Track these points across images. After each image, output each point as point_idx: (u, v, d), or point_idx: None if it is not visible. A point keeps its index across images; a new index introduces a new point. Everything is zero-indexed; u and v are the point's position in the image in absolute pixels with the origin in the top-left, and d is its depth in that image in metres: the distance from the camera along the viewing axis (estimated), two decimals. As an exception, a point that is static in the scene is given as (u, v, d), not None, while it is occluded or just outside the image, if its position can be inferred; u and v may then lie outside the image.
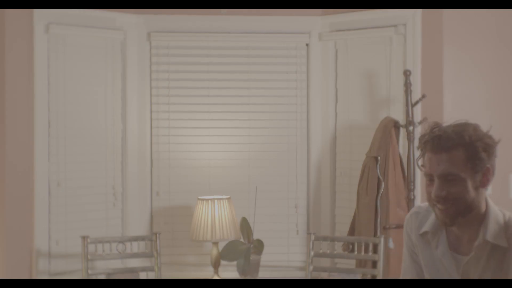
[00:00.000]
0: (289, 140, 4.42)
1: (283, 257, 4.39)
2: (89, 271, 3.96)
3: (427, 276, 2.25)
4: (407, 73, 3.91)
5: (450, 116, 3.91)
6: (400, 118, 4.02)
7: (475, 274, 2.15)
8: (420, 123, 3.93)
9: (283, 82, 4.43)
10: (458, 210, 2.09)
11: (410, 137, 3.92)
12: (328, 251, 4.05)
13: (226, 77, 4.41)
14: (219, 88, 4.41)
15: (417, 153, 2.19)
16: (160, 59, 4.38)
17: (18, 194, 3.91)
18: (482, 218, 2.15)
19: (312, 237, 4.05)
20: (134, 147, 4.33)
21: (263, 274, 4.15)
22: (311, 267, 4.04)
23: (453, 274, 2.18)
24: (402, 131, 3.99)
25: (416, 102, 3.91)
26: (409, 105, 3.91)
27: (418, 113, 3.96)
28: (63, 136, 4.09)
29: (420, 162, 2.17)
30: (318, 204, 4.38)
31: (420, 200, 3.99)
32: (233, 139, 4.41)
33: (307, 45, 4.40)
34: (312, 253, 4.04)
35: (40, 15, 3.96)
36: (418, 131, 3.97)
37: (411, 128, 3.91)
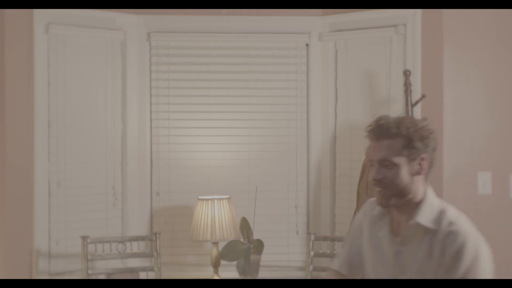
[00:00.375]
0: (289, 140, 4.42)
1: (283, 257, 4.39)
2: (89, 271, 3.96)
3: (367, 254, 2.46)
4: (407, 73, 3.92)
5: (450, 116, 3.94)
6: (400, 118, 4.01)
7: (408, 256, 2.33)
8: (420, 123, 3.93)
9: (283, 82, 4.43)
10: (393, 193, 2.31)
11: (410, 137, 3.92)
12: (328, 251, 4.05)
13: (226, 77, 4.41)
14: (219, 88, 4.41)
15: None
16: (160, 59, 4.38)
17: (18, 194, 3.91)
18: (418, 204, 2.34)
19: (312, 237, 4.05)
20: (134, 147, 4.33)
21: (263, 274, 4.15)
22: (311, 267, 4.04)
23: (388, 254, 2.38)
24: (402, 131, 3.99)
25: (416, 102, 3.91)
26: (409, 105, 3.91)
27: (418, 113, 3.96)
28: (63, 136, 4.09)
29: (367, 152, 2.39)
30: (318, 204, 4.38)
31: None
32: (233, 139, 4.41)
33: (307, 45, 4.41)
34: (312, 253, 4.04)
35: (40, 15, 3.96)
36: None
37: (411, 128, 3.91)
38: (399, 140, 2.30)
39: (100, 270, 4.06)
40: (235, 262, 4.11)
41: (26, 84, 3.93)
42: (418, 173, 2.32)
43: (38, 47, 3.96)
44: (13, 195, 3.90)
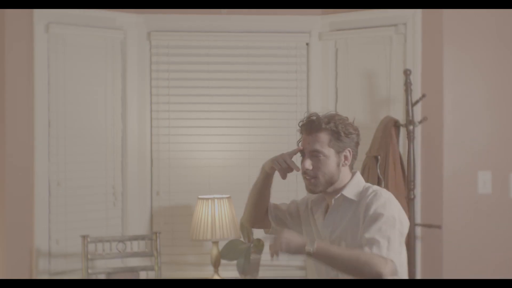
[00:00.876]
0: (289, 139, 4.41)
1: (283, 256, 4.37)
2: (89, 271, 3.96)
3: (303, 231, 2.77)
4: (407, 73, 3.91)
5: (450, 116, 3.94)
6: (400, 118, 4.02)
7: (334, 224, 2.61)
8: (420, 122, 3.93)
9: (283, 82, 4.43)
10: (320, 181, 2.60)
11: (410, 136, 3.92)
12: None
13: (226, 76, 4.41)
14: (219, 88, 4.41)
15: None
16: (160, 59, 4.38)
17: (18, 194, 3.92)
18: (343, 186, 2.63)
19: (312, 236, 4.06)
20: (134, 147, 4.33)
21: (263, 273, 4.15)
22: (311, 267, 4.05)
23: (320, 226, 2.67)
24: (402, 131, 4.00)
25: (416, 102, 3.91)
26: (409, 105, 3.91)
27: (418, 113, 3.96)
28: (63, 136, 4.10)
29: (300, 144, 2.67)
30: (318, 203, 4.37)
31: (420, 200, 3.99)
32: (233, 138, 4.41)
33: (307, 44, 4.41)
34: (312, 252, 4.04)
35: (40, 15, 3.96)
36: (419, 131, 3.98)
37: (411, 127, 3.92)
38: (327, 133, 2.59)
39: (100, 270, 4.06)
40: (235, 262, 4.11)
41: (26, 84, 3.93)
42: (343, 164, 2.62)
43: (38, 47, 3.96)
44: (13, 195, 3.90)
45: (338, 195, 2.62)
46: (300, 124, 2.67)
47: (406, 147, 3.96)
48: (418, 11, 4.00)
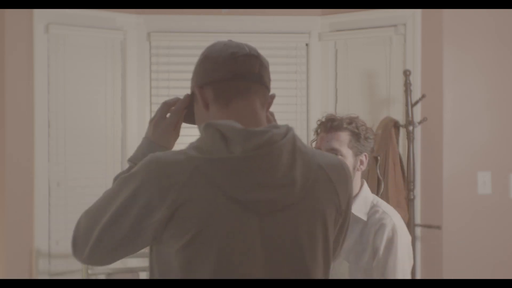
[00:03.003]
0: (289, 140, 4.42)
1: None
2: (89, 271, 3.96)
3: None
4: (407, 73, 3.92)
5: (450, 116, 3.94)
6: (400, 118, 4.02)
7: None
8: (420, 123, 3.93)
9: (283, 82, 4.43)
10: None
11: (410, 137, 3.92)
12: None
13: (226, 77, 4.40)
14: (219, 88, 4.40)
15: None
16: (160, 59, 4.38)
17: (18, 194, 3.92)
18: (354, 197, 2.53)
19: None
20: (134, 147, 4.31)
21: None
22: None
23: None
24: (402, 131, 4.00)
25: (416, 102, 3.92)
26: (409, 105, 3.91)
27: (418, 113, 3.96)
28: (63, 136, 4.10)
29: (314, 144, 2.60)
30: (318, 204, 4.37)
31: (419, 200, 3.99)
32: (233, 139, 4.40)
33: (307, 45, 4.41)
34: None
35: (40, 15, 3.96)
36: (419, 131, 3.98)
37: (411, 128, 3.92)
38: (348, 134, 2.53)
39: (100, 270, 4.06)
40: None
41: (26, 84, 3.93)
42: (359, 168, 2.55)
43: (38, 47, 3.96)
44: (13, 195, 3.90)
45: None
46: (318, 123, 2.61)
47: (406, 147, 3.96)
48: (418, 11, 4.01)
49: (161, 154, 1.63)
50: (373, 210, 2.54)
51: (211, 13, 4.31)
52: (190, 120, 1.90)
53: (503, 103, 4.00)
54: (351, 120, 2.55)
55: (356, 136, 2.53)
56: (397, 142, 3.97)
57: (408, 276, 2.51)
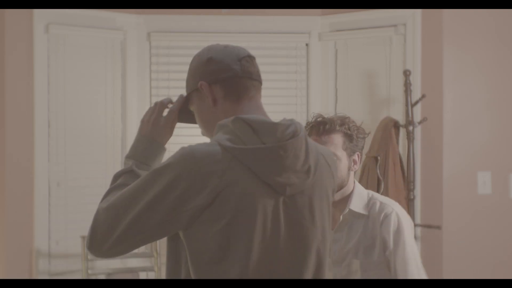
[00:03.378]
0: (289, 140, 4.42)
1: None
2: (89, 271, 3.96)
3: None
4: (407, 73, 3.92)
5: (450, 116, 3.94)
6: (400, 118, 4.02)
7: (344, 239, 2.55)
8: (420, 123, 3.93)
9: (283, 82, 4.43)
10: None
11: (410, 137, 3.92)
12: (328, 251, 4.05)
13: (226, 77, 4.40)
14: (219, 88, 4.40)
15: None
16: (160, 59, 4.38)
17: (18, 194, 3.91)
18: (349, 195, 2.57)
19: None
20: (134, 147, 4.32)
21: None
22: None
23: None
24: (402, 131, 4.00)
25: (416, 102, 3.92)
26: (409, 105, 3.91)
27: (418, 113, 3.96)
28: (63, 136, 4.10)
29: None
30: (318, 204, 4.37)
31: (419, 200, 3.99)
32: (233, 139, 4.40)
33: (307, 45, 4.41)
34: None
35: (40, 15, 3.96)
36: (419, 131, 3.98)
37: (411, 128, 3.92)
38: (341, 135, 2.52)
39: (100, 270, 4.06)
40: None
41: (26, 84, 3.93)
42: (352, 168, 2.56)
43: (38, 47, 3.96)
44: (13, 195, 3.90)
45: (346, 210, 2.56)
46: (308, 127, 2.58)
47: (406, 147, 3.96)
48: (418, 11, 4.01)
49: (195, 146, 1.80)
50: (371, 203, 2.56)
51: (211, 13, 4.31)
52: (184, 119, 2.01)
53: (503, 103, 4.00)
54: (343, 121, 2.55)
55: (349, 137, 2.53)
56: (397, 142, 3.97)
57: (420, 262, 2.53)
